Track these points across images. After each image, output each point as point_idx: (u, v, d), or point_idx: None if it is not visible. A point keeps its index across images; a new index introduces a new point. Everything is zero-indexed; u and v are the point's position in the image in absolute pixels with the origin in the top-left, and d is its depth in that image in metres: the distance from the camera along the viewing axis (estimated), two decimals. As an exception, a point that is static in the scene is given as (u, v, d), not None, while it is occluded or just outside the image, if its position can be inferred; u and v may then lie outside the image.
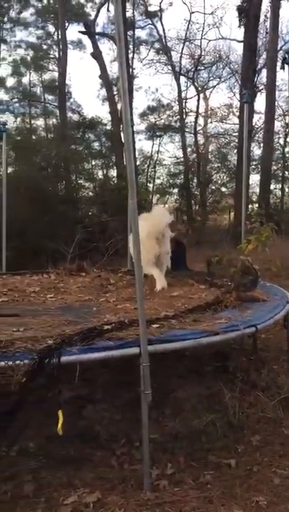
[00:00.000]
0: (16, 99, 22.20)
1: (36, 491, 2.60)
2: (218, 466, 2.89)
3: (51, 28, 21.82)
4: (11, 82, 22.49)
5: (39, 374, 2.51)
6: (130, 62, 19.41)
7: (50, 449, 3.06)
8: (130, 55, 19.82)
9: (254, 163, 19.86)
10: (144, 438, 2.65)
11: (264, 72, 18.81)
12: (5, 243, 6.84)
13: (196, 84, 22.57)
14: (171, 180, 21.40)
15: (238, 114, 19.26)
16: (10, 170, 13.23)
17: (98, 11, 20.88)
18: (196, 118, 22.44)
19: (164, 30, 21.93)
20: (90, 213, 15.22)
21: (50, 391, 2.62)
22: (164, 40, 21.93)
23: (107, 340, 2.80)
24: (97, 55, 20.05)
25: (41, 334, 2.97)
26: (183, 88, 22.33)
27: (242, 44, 17.46)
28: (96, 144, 19.80)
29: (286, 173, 21.08)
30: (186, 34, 21.63)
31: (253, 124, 17.92)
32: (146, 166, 20.56)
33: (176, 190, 21.43)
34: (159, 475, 2.77)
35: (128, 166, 2.78)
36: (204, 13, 24.83)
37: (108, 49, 23.42)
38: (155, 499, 2.53)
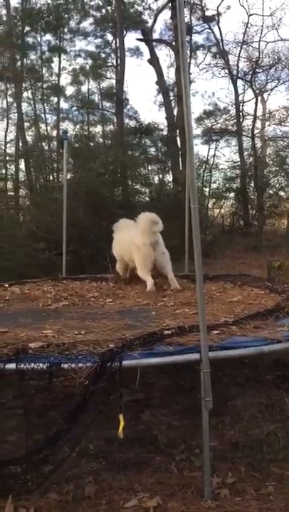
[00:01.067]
0: (74, 108, 22.79)
1: (97, 492, 2.64)
2: (280, 478, 2.81)
3: (109, 37, 22.27)
4: (70, 90, 23.17)
5: (101, 377, 2.55)
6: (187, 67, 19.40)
7: (110, 452, 3.10)
8: (187, 60, 19.79)
9: (315, 166, 19.30)
10: (204, 445, 2.63)
11: None
12: (65, 248, 7.00)
13: (253, 87, 22.22)
14: (227, 185, 21.14)
15: (297, 116, 18.80)
16: (69, 176, 13.56)
17: (156, 18, 21.04)
18: (254, 121, 22.06)
19: (221, 33, 21.72)
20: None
21: (110, 394, 2.66)
22: (221, 44, 21.76)
23: (167, 346, 2.81)
24: (154, 61, 20.20)
25: (102, 338, 3.02)
26: (240, 91, 22.05)
27: (302, 45, 17.05)
28: (152, 150, 19.97)
29: None
30: (243, 37, 21.33)
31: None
32: (202, 170, 20.44)
33: (232, 195, 21.18)
34: (219, 483, 2.73)
35: (189, 171, 2.79)
36: (262, 15, 24.70)
37: (165, 55, 23.52)
38: (216, 508, 2.50)
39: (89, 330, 3.34)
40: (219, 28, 21.99)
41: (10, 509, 2.48)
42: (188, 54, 20.37)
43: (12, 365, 2.64)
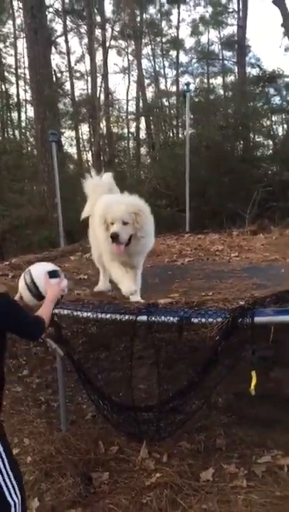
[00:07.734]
0: (194, 60, 22.13)
1: (228, 445, 2.67)
2: None
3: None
4: (189, 43, 22.48)
5: (232, 333, 2.51)
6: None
7: (239, 407, 3.10)
8: None
9: None
10: None
11: None
12: (188, 203, 6.97)
13: None
14: None
15: None
16: (190, 131, 13.36)
17: None
18: None
19: None
20: (269, 172, 14.59)
21: (240, 350, 2.62)
22: None
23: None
24: (279, 1, 18.66)
25: (231, 297, 2.95)
26: None
27: None
28: (276, 99, 18.72)
29: None
30: None
31: None
32: None
33: None
34: None
35: None
36: None
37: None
38: None
39: (216, 291, 3.28)
40: None
41: (144, 453, 2.61)
42: None
43: (143, 317, 2.70)
